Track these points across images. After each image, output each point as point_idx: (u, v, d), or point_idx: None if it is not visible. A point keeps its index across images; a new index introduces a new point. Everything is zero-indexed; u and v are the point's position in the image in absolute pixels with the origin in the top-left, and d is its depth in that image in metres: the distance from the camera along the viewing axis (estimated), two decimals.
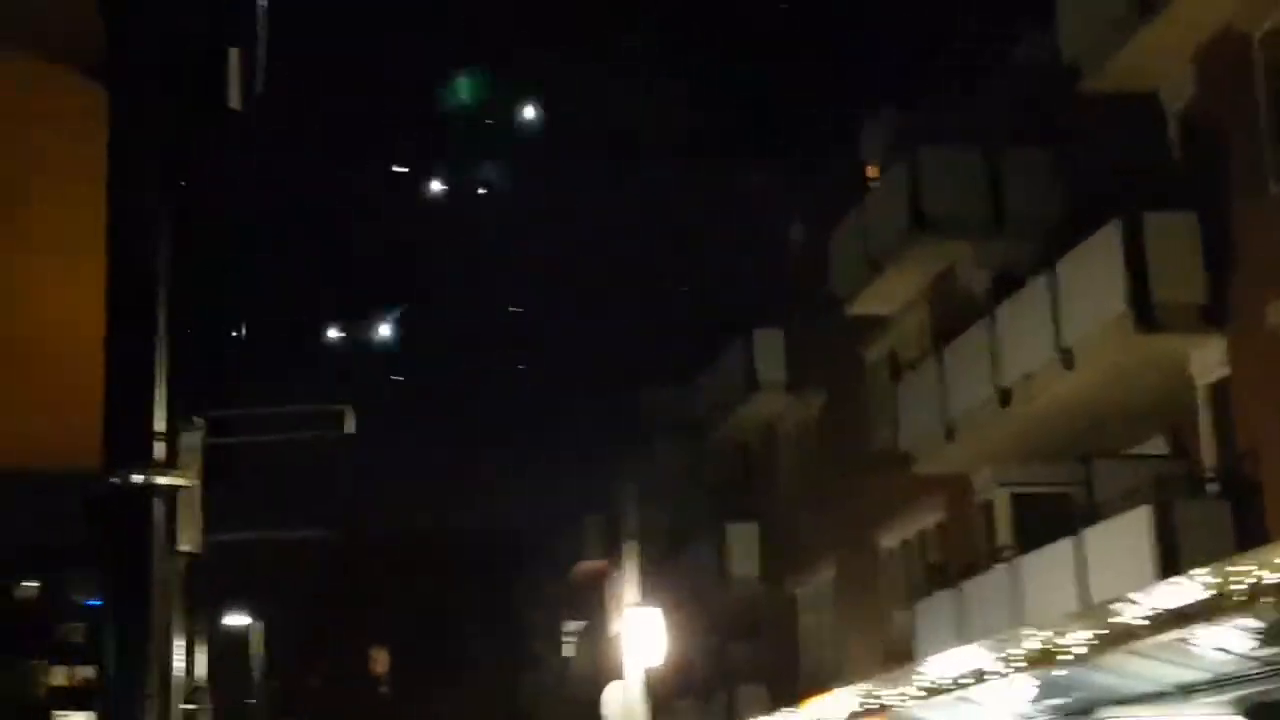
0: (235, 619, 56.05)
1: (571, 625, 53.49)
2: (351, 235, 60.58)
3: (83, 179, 3.78)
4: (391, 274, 64.55)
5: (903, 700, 22.14)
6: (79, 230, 3.75)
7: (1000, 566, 21.94)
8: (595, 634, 49.48)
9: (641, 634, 27.82)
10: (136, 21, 3.66)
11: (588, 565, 49.33)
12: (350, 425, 3.07)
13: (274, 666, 65.42)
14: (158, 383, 3.20)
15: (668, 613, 37.26)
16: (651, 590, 40.27)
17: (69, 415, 3.74)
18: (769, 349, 33.62)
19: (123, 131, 3.63)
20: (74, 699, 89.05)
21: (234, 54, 4.07)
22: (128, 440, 3.16)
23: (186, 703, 5.55)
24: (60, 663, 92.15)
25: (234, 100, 4.09)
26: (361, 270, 63.69)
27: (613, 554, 47.45)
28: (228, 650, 53.36)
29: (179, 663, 3.28)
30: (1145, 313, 18.68)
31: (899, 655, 26.04)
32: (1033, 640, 18.23)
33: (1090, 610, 17.95)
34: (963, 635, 21.81)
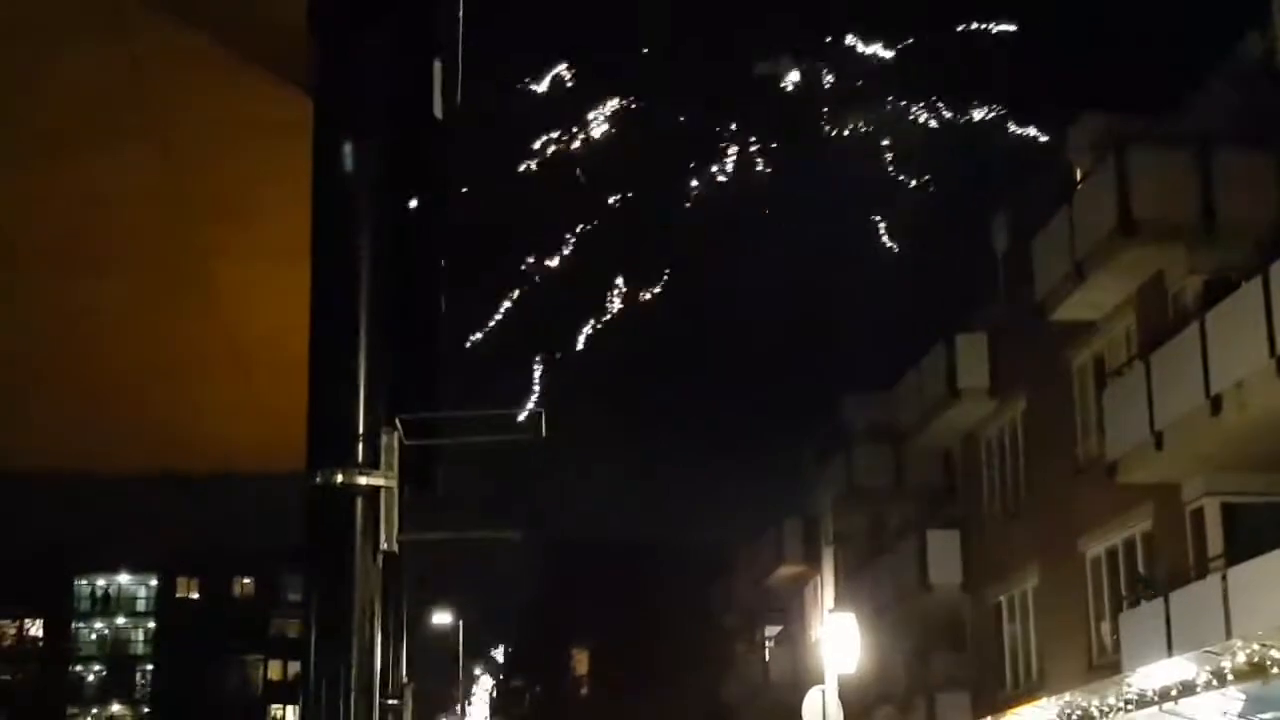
0: (440, 618, 57.12)
1: (771, 629, 53.39)
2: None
3: (298, 189, 3.91)
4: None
5: (1109, 712, 21.73)
6: (296, 238, 3.88)
7: (1210, 577, 21.43)
8: (795, 638, 49.34)
9: (838, 640, 27.67)
10: (344, 36, 3.78)
11: (787, 570, 49.20)
12: (543, 429, 3.14)
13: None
14: (360, 385, 3.31)
15: (868, 619, 37.03)
16: (851, 596, 40.07)
17: (290, 418, 3.87)
18: (972, 354, 33.21)
19: (329, 141, 3.75)
20: (289, 694, 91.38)
21: (437, 66, 4.18)
22: (329, 441, 3.27)
23: (389, 699, 5.68)
24: (275, 658, 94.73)
25: (438, 110, 4.20)
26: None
27: (812, 559, 47.29)
28: (432, 647, 54.38)
29: (381, 659, 3.39)
30: None
31: (1105, 666, 25.58)
32: (1243, 653, 17.79)
33: None
34: (1171, 647, 21.35)
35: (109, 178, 5.20)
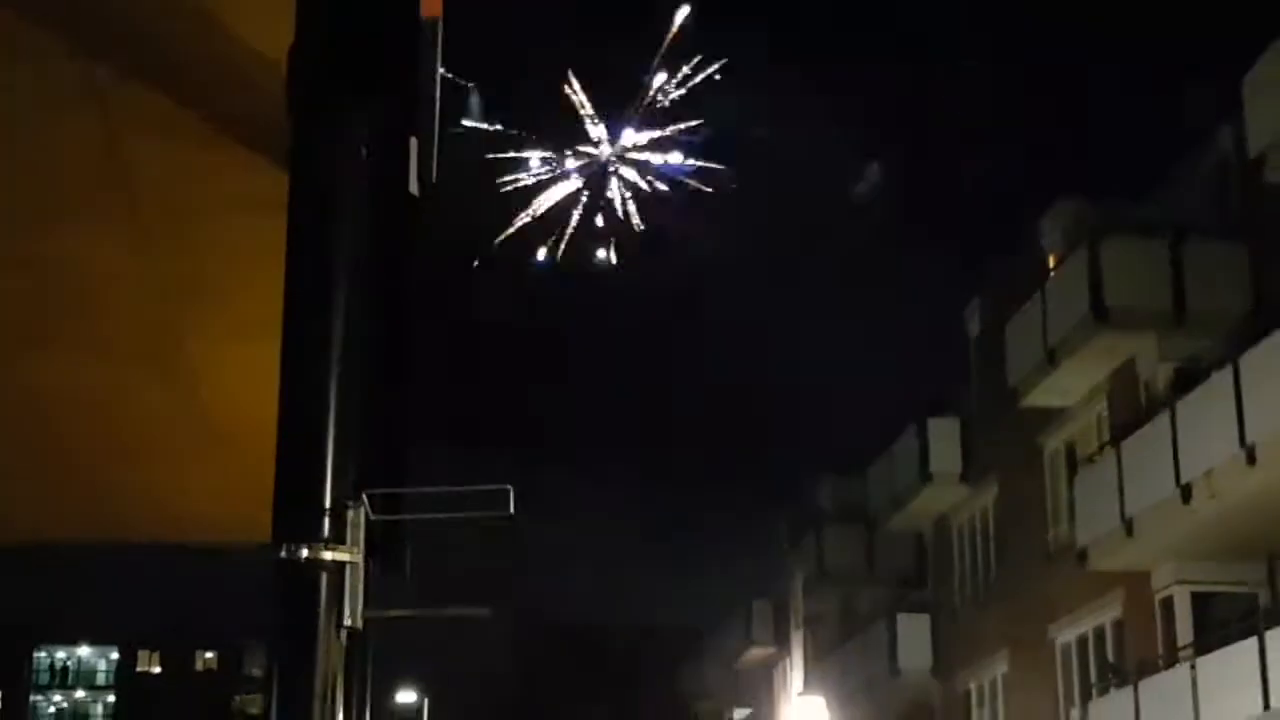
0: (404, 696, 56.61)
1: (739, 713, 53.09)
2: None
3: (274, 265, 3.91)
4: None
5: None
6: (271, 315, 3.88)
7: (1179, 666, 21.40)
8: None
9: None
10: (321, 113, 3.79)
11: (757, 652, 49.00)
12: (512, 506, 3.12)
13: None
14: (328, 459, 3.29)
15: (837, 703, 36.88)
16: (820, 680, 39.88)
17: (257, 491, 3.85)
18: (944, 439, 33.27)
19: (303, 218, 3.75)
20: None
21: (413, 142, 4.19)
22: (295, 515, 3.24)
23: None
24: None
25: (413, 187, 4.21)
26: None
27: (782, 641, 47.10)
28: None
29: None
30: None
31: None
32: None
33: (1273, 715, 17.41)
34: None
35: (79, 251, 5.19)
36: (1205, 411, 20.59)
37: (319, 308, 3.57)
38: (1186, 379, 21.85)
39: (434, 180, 4.22)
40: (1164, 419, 21.66)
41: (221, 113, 4.66)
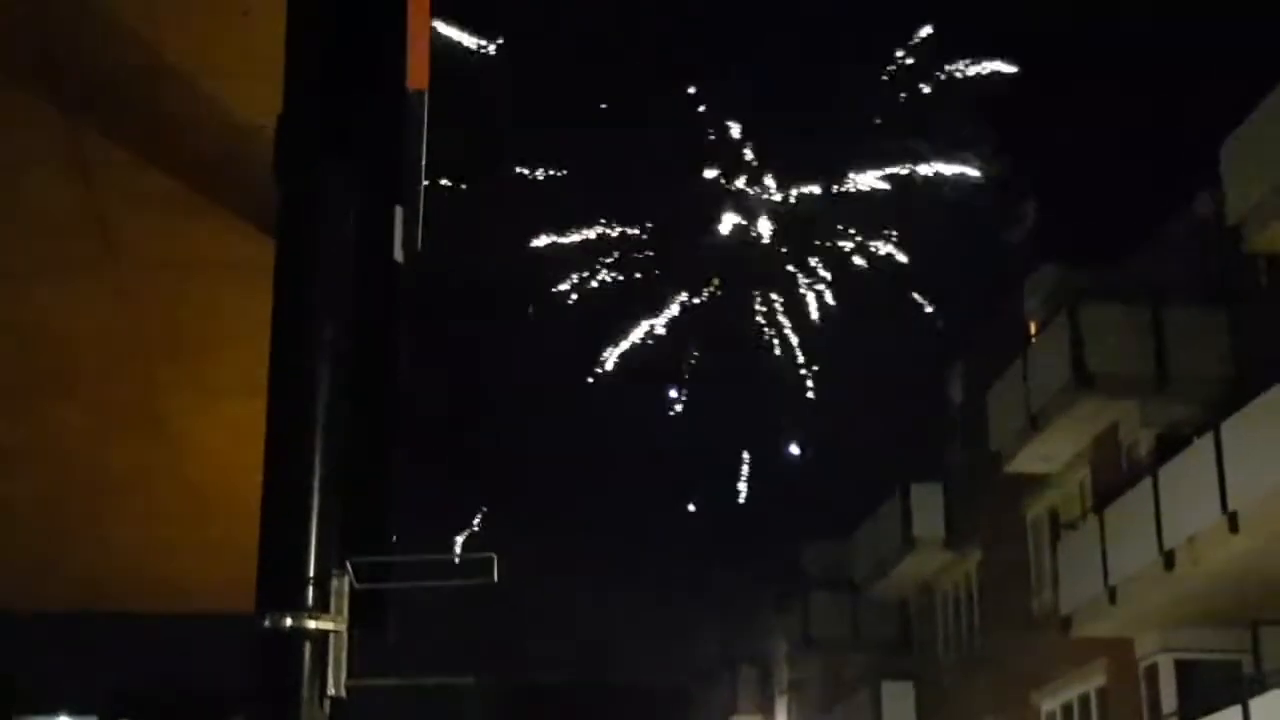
0: None
1: None
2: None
3: (254, 327, 3.92)
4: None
5: None
6: (250, 377, 3.88)
7: None
8: None
9: None
10: (308, 179, 3.81)
11: (741, 719, 48.72)
12: (496, 574, 3.12)
13: None
14: (312, 527, 3.30)
15: None
16: None
17: (242, 557, 3.84)
18: (927, 505, 33.25)
19: (290, 283, 3.76)
20: None
21: (398, 211, 4.22)
22: (279, 584, 3.25)
23: None
24: None
25: (398, 255, 4.23)
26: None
27: (766, 708, 46.87)
28: None
29: None
30: None
31: None
32: None
33: None
34: None
35: (64, 313, 5.20)
36: (1187, 478, 20.60)
37: (304, 374, 3.58)
38: (1169, 445, 21.87)
39: (419, 248, 4.24)
40: (1146, 485, 21.67)
41: (210, 178, 4.69)
